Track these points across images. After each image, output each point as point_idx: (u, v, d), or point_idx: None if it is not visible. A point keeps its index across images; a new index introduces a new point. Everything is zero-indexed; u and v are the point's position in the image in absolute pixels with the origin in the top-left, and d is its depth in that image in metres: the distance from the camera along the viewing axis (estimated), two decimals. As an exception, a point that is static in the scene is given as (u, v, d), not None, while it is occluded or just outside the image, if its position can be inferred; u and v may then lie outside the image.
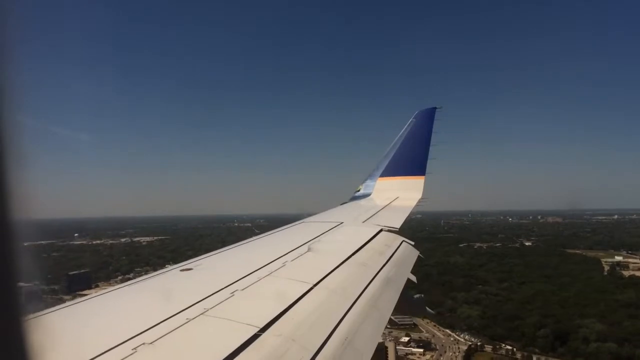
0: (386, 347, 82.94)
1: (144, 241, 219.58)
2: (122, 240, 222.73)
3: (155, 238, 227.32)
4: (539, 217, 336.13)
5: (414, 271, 7.22)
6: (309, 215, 10.84)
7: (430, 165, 13.39)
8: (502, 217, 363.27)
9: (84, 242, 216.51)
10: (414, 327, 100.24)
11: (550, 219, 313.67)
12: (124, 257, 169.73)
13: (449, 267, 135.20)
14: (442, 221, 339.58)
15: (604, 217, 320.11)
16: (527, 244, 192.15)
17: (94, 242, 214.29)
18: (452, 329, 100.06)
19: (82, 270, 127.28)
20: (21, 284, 1.10)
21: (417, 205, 12.39)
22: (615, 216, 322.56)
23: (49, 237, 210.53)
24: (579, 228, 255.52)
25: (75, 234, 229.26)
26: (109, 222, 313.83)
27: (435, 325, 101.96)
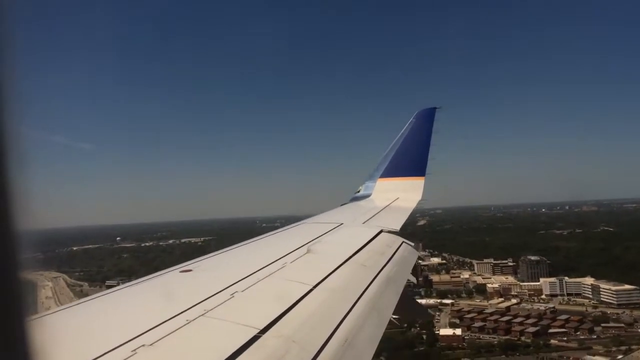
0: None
1: (196, 242, 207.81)
2: (170, 241, 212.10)
3: (202, 239, 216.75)
4: (567, 207, 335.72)
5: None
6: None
7: (432, 165, 13.18)
8: (529, 209, 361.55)
9: (132, 244, 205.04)
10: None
11: (585, 208, 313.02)
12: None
13: (573, 252, 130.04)
14: (471, 214, 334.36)
15: (635, 205, 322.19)
16: (609, 229, 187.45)
17: (143, 245, 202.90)
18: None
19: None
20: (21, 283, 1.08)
21: (421, 203, 12.40)
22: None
23: (92, 242, 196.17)
24: (627, 215, 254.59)
25: (118, 238, 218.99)
26: (132, 228, 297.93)
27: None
